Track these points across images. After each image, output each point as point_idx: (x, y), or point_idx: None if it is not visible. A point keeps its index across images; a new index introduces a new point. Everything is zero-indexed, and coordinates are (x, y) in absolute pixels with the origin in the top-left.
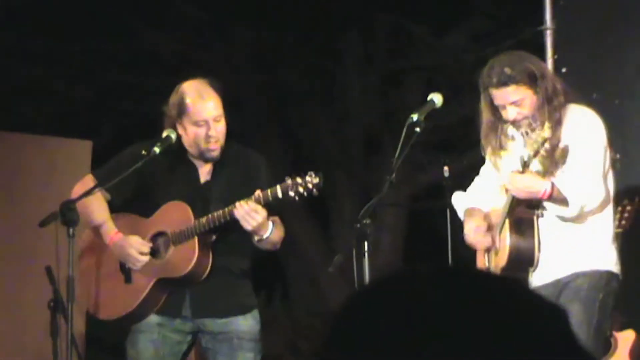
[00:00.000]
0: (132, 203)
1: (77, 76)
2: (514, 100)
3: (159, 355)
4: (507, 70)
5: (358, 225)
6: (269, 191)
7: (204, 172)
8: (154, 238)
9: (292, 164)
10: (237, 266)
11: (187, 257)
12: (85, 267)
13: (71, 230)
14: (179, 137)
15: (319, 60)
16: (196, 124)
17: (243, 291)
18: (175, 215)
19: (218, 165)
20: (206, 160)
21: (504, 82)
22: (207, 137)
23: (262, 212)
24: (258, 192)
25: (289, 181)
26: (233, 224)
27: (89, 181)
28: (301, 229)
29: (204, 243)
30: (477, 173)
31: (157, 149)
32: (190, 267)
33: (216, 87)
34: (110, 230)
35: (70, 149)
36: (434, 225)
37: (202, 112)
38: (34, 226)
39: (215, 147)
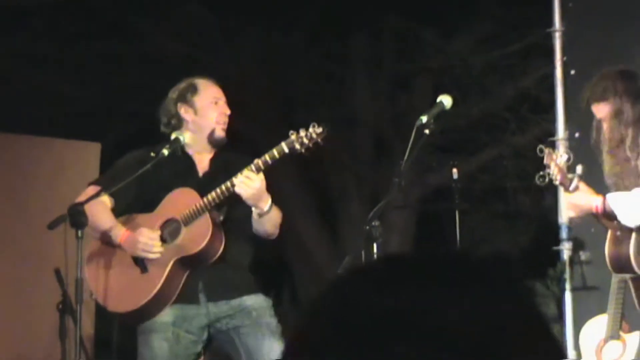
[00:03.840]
0: (133, 207)
1: (85, 78)
2: None
3: (174, 354)
4: None
5: (367, 227)
6: (274, 150)
7: (202, 165)
8: (162, 227)
9: (299, 167)
10: (243, 259)
11: (201, 232)
12: (96, 270)
13: (80, 232)
14: (175, 138)
15: (327, 63)
16: (210, 100)
17: (250, 278)
18: (181, 200)
19: (215, 159)
20: (214, 143)
21: None
22: (221, 115)
23: (258, 178)
24: (256, 160)
25: (293, 136)
26: (237, 210)
27: (90, 192)
28: (310, 231)
29: (215, 221)
30: (486, 174)
31: (165, 151)
32: (206, 241)
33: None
34: (120, 231)
35: (78, 151)
36: (443, 227)
37: (215, 90)
38: (42, 228)
39: (225, 127)
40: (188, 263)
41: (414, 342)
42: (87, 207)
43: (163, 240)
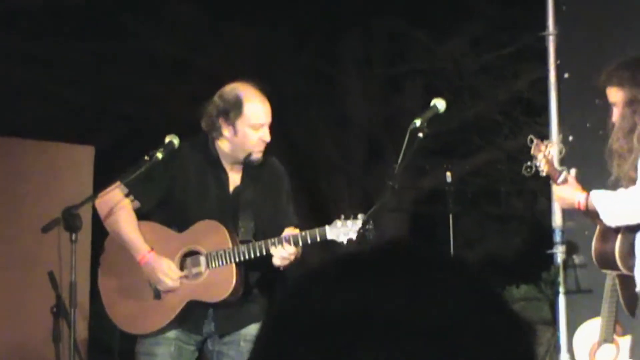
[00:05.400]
0: (159, 208)
1: (78, 81)
2: None
3: None
4: None
5: (360, 230)
6: (316, 230)
7: (233, 179)
8: (185, 256)
9: (291, 170)
10: (257, 282)
11: (225, 283)
12: (109, 280)
13: (74, 235)
14: (212, 140)
15: (318, 64)
16: (253, 126)
17: (260, 302)
18: (210, 235)
19: (246, 172)
20: (248, 163)
21: None
22: (260, 142)
23: (296, 252)
24: (303, 234)
25: (338, 222)
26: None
27: (116, 191)
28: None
29: (240, 270)
30: (479, 177)
31: (159, 155)
32: (228, 294)
33: (267, 95)
34: (142, 249)
35: (72, 154)
36: (436, 231)
37: (261, 116)
38: (36, 232)
39: (261, 150)
40: (203, 304)
41: (370, 340)
42: (111, 211)
43: (185, 276)
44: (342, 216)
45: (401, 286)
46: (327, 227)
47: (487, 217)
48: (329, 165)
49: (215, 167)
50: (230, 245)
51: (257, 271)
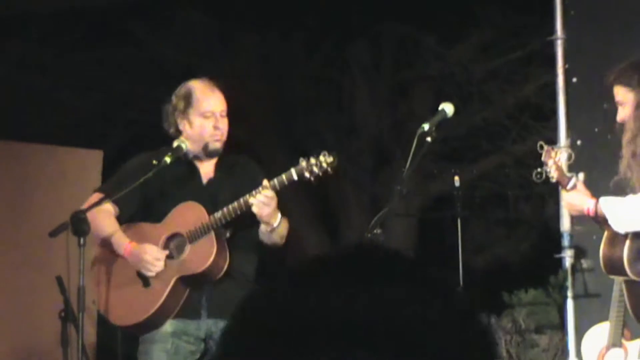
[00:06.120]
0: (137, 214)
1: (86, 86)
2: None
3: None
4: None
5: (368, 235)
6: (283, 176)
7: (206, 172)
8: (168, 241)
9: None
10: (247, 270)
11: (205, 252)
12: (99, 279)
13: (82, 240)
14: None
15: (326, 70)
16: (203, 115)
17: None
18: (188, 215)
19: (219, 164)
20: (209, 154)
21: None
22: (214, 130)
23: (275, 199)
24: (272, 181)
25: (303, 163)
26: (243, 222)
27: (94, 199)
28: (310, 238)
29: (220, 239)
30: (487, 182)
31: (167, 159)
32: (210, 261)
33: (221, 86)
34: (123, 241)
35: (80, 158)
36: (445, 235)
37: (210, 104)
38: (44, 236)
39: (219, 139)
40: (191, 281)
41: (330, 343)
42: (91, 215)
43: (169, 256)
44: (308, 156)
45: (362, 290)
46: (292, 169)
47: (496, 222)
48: (337, 171)
49: (185, 164)
50: (208, 219)
51: (246, 254)
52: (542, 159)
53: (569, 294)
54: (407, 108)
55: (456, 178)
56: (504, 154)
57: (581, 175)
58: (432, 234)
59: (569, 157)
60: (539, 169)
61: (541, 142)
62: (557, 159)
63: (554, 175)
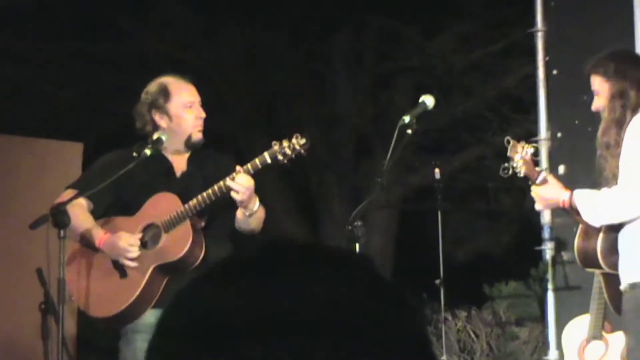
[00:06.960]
0: (111, 209)
1: (67, 78)
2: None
3: None
4: None
5: (349, 227)
6: (257, 160)
7: (179, 165)
8: (143, 232)
9: (281, 167)
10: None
11: (181, 240)
12: (76, 274)
13: (62, 232)
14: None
15: (308, 62)
16: (184, 105)
17: None
18: (162, 205)
19: (191, 158)
20: (192, 146)
21: None
22: (196, 120)
23: (251, 183)
24: (246, 166)
25: (275, 146)
26: (218, 211)
27: (67, 196)
28: (290, 230)
29: (196, 227)
30: (468, 174)
31: (148, 151)
32: (186, 249)
33: (190, 80)
34: (99, 233)
35: (61, 151)
36: (425, 227)
37: (190, 94)
38: (24, 228)
39: (201, 129)
40: (168, 269)
41: (258, 339)
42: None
43: (144, 245)
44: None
45: (286, 283)
46: (265, 152)
47: (477, 214)
48: (319, 162)
49: (157, 160)
50: (182, 207)
51: (222, 242)
52: (508, 154)
53: (550, 286)
54: (388, 99)
55: (437, 170)
56: (484, 146)
57: (561, 168)
58: (413, 226)
59: (535, 153)
60: (505, 164)
61: (508, 137)
62: (524, 154)
63: (521, 170)
